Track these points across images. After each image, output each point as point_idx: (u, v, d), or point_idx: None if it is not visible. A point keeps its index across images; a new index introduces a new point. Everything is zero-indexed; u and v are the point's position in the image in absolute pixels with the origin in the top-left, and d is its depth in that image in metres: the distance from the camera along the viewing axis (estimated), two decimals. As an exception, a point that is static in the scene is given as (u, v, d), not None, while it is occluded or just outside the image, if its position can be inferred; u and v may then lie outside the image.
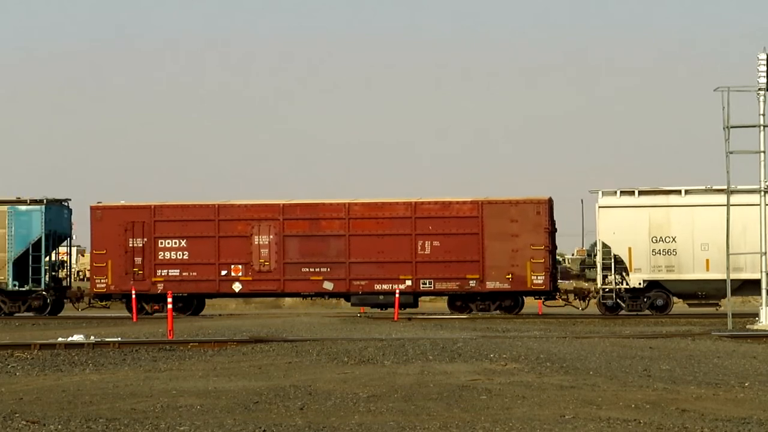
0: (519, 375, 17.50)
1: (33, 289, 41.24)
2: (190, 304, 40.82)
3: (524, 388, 15.79)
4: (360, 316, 38.29)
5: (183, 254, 40.16)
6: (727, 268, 32.47)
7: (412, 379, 16.91)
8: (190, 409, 13.97)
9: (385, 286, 39.47)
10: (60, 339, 24.90)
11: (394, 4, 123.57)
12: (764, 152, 31.59)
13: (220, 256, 40.08)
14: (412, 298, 39.76)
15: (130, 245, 40.32)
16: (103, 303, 41.66)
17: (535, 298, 41.15)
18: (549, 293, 39.79)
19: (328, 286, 39.73)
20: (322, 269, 39.75)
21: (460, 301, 39.83)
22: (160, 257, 40.32)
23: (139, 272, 40.24)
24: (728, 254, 32.64)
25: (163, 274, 40.29)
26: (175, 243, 40.23)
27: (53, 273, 42.19)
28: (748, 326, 30.80)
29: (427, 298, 45.33)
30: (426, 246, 39.38)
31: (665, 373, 17.79)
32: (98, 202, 41.07)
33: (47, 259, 41.68)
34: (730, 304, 32.07)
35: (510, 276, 39.05)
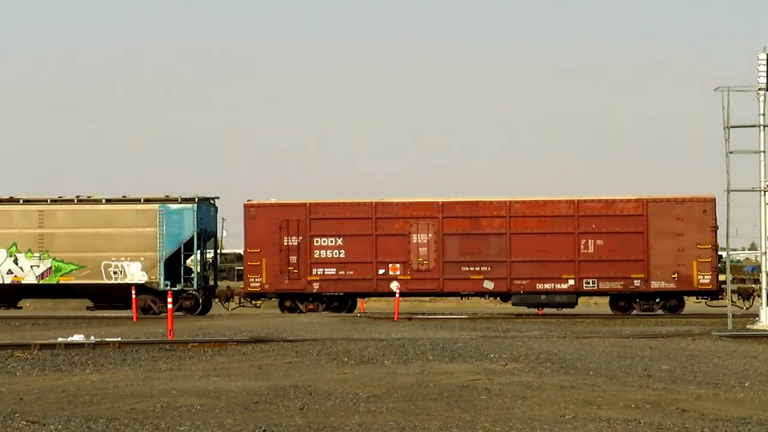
0: (519, 375, 17.50)
1: (184, 288, 40.61)
2: (345, 303, 40.17)
3: (524, 388, 15.79)
4: (360, 316, 38.28)
5: (339, 253, 39.51)
6: (727, 269, 32.46)
7: (412, 379, 16.92)
8: (190, 409, 13.98)
9: (546, 286, 38.81)
10: (60, 339, 24.89)
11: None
12: (764, 152, 31.60)
13: (377, 254, 39.40)
14: (574, 298, 39.16)
15: (285, 243, 39.63)
16: (254, 302, 41.00)
17: (698, 299, 40.30)
18: (715, 293, 38.87)
19: (488, 285, 39.07)
20: (482, 268, 39.05)
21: (624, 301, 39.07)
22: (315, 256, 39.60)
23: (294, 271, 39.52)
24: (728, 254, 32.64)
25: (318, 273, 39.58)
26: (332, 241, 39.56)
27: (204, 272, 41.63)
28: (748, 326, 30.81)
29: (427, 298, 45.26)
30: (589, 245, 38.78)
31: (665, 373, 17.79)
32: (248, 200, 40.27)
33: (198, 258, 41.07)
34: (730, 303, 32.07)
35: (676, 275, 38.33)
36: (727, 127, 31.32)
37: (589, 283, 38.81)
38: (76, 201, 41.00)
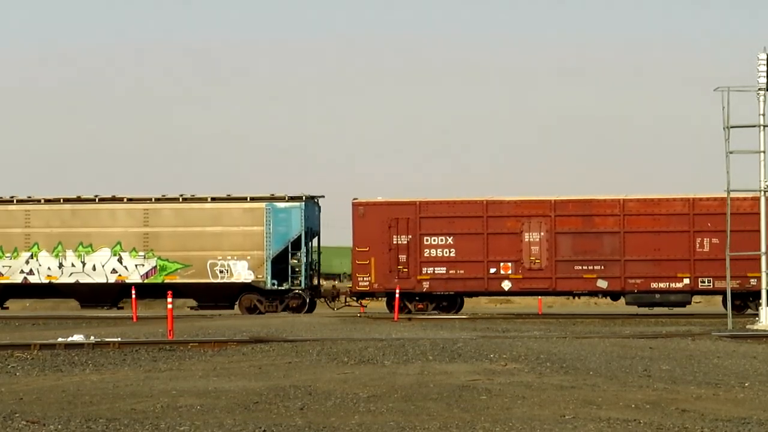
0: (519, 375, 17.49)
1: (291, 288, 40.29)
2: (455, 302, 39.83)
3: (524, 388, 15.79)
4: (360, 316, 38.27)
5: (450, 251, 39.03)
6: (727, 268, 32.46)
7: (412, 379, 16.91)
8: (190, 409, 13.97)
9: (661, 285, 38.30)
10: (60, 339, 24.89)
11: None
12: (764, 152, 31.60)
13: (488, 253, 38.95)
14: (689, 297, 38.69)
15: (395, 242, 39.29)
16: (360, 302, 40.71)
17: None
18: None
19: (602, 284, 38.61)
20: (595, 267, 38.53)
21: (739, 300, 38.06)
22: (425, 255, 39.15)
23: (404, 270, 39.11)
24: (728, 254, 32.64)
25: (428, 272, 39.17)
26: (442, 240, 39.06)
27: (310, 272, 41.21)
28: (748, 326, 30.81)
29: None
30: (705, 243, 38.30)
31: (665, 373, 17.79)
32: (354, 199, 39.97)
33: (305, 257, 40.70)
34: (729, 303, 32.06)
35: None
36: (727, 127, 31.32)
37: (704, 282, 38.33)
38: (180, 200, 40.69)
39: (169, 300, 28.97)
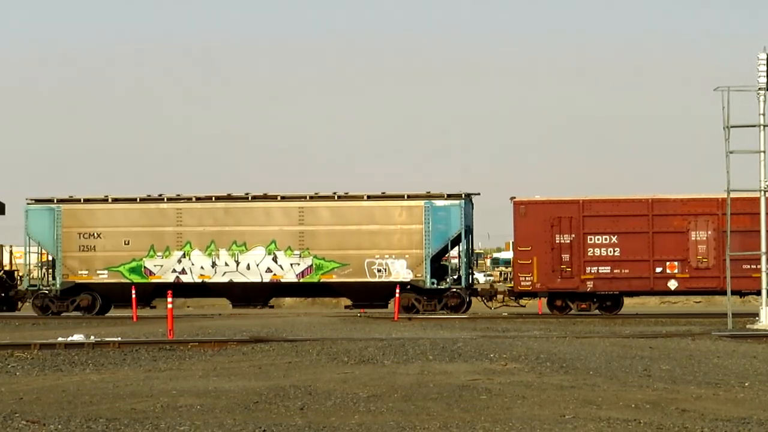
0: (519, 375, 17.50)
1: (451, 287, 39.76)
2: (618, 302, 39.19)
3: (524, 388, 15.79)
4: (360, 316, 38.26)
5: (614, 250, 38.41)
6: (727, 268, 32.45)
7: (412, 379, 16.92)
8: (190, 409, 13.98)
9: None
10: (60, 339, 24.89)
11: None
12: (764, 152, 31.61)
13: (654, 252, 38.40)
14: None
15: (557, 241, 38.77)
16: (518, 301, 40.17)
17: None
18: None
19: None
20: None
21: None
22: (589, 254, 38.66)
23: (567, 269, 38.61)
24: (728, 254, 32.64)
25: (592, 271, 38.58)
26: (606, 239, 38.39)
27: (468, 271, 40.71)
28: (748, 326, 30.81)
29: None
30: None
31: (665, 373, 17.79)
32: (511, 198, 39.43)
33: (464, 256, 40.31)
34: (729, 303, 32.06)
35: None
36: (727, 127, 31.33)
37: None
38: (336, 198, 40.23)
39: (169, 300, 28.96)
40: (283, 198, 40.38)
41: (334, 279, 39.92)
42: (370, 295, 40.12)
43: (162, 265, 40.40)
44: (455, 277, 40.33)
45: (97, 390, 16.07)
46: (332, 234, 39.94)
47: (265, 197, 40.44)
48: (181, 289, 40.92)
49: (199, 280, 40.38)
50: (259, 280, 40.15)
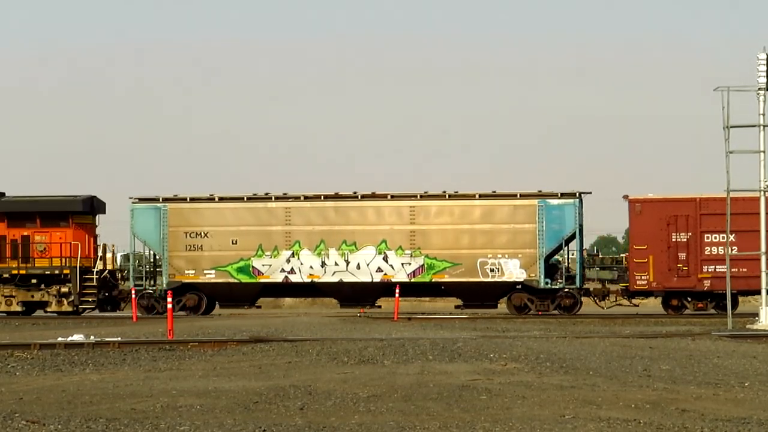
0: (519, 375, 17.49)
1: (564, 287, 39.28)
2: (735, 301, 37.55)
3: (524, 388, 15.79)
4: (360, 316, 38.25)
5: (731, 249, 36.01)
6: (727, 268, 32.45)
7: (412, 379, 16.91)
8: (190, 409, 13.97)
9: None
10: (60, 339, 24.89)
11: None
12: (764, 152, 31.62)
13: None
14: None
15: (674, 240, 38.21)
16: (632, 301, 39.80)
17: None
18: None
19: None
20: None
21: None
22: (706, 252, 38.10)
23: (684, 268, 38.01)
24: (728, 254, 32.64)
25: (709, 270, 38.04)
26: (723, 237, 36.65)
27: (582, 270, 40.07)
28: (748, 326, 30.82)
29: (427, 298, 44.80)
30: None
31: (665, 373, 17.79)
32: (624, 196, 38.90)
33: (578, 255, 39.79)
34: (729, 303, 32.07)
35: None
36: (727, 127, 31.34)
37: None
38: (447, 197, 39.86)
39: (169, 300, 28.96)
40: (394, 197, 40.06)
41: (446, 279, 39.56)
42: (482, 295, 39.68)
43: (270, 265, 40.08)
44: (573, 277, 39.57)
45: (97, 390, 16.07)
46: (444, 233, 39.61)
47: (374, 196, 40.14)
48: (290, 289, 40.81)
49: (308, 280, 40.05)
50: (370, 280, 39.81)
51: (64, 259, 40.99)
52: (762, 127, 31.57)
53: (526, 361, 19.47)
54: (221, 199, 40.37)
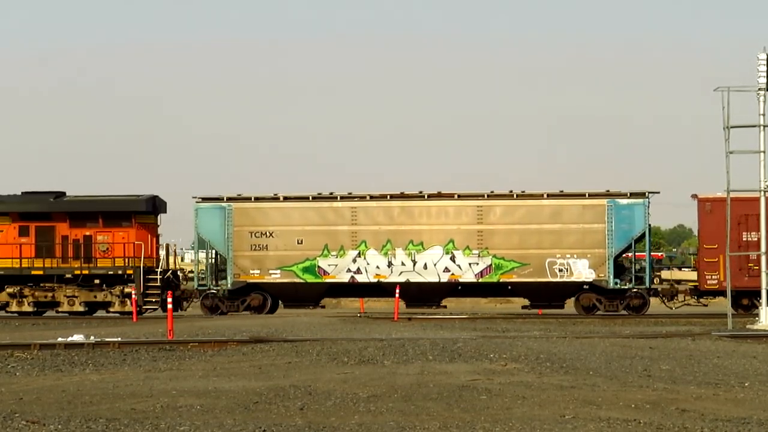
0: (519, 375, 17.50)
1: (633, 287, 38.78)
2: None
3: (524, 388, 15.79)
4: (360, 316, 38.25)
5: None
6: (728, 268, 32.44)
7: (412, 379, 16.92)
8: (190, 409, 13.98)
9: None
10: (60, 339, 24.90)
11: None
12: (764, 152, 31.63)
13: None
14: None
15: (744, 239, 37.72)
16: (700, 300, 39.46)
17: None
18: None
19: None
20: None
21: None
22: None
23: (755, 268, 36.58)
24: (728, 254, 32.64)
25: None
26: None
27: (650, 270, 39.35)
28: (748, 326, 30.83)
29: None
30: None
31: (665, 373, 17.79)
32: (693, 195, 38.75)
33: (648, 256, 39.35)
34: (729, 303, 32.08)
35: None
36: (727, 127, 31.35)
37: None
38: (515, 196, 39.62)
39: (169, 300, 28.95)
40: (460, 196, 39.87)
41: (514, 279, 39.34)
42: (550, 296, 39.43)
43: (336, 265, 39.87)
44: (642, 277, 39.16)
45: (97, 390, 16.07)
46: (511, 233, 39.36)
47: (441, 195, 39.93)
48: (356, 289, 40.61)
49: (375, 280, 39.84)
50: (437, 280, 39.58)
51: (127, 260, 40.76)
52: (762, 127, 31.58)
53: (526, 361, 19.47)
54: (286, 199, 40.26)
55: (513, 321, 35.56)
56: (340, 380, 16.91)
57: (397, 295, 38.37)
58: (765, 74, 31.01)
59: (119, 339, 25.18)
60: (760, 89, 31.30)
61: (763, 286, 31.65)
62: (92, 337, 25.49)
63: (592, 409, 13.73)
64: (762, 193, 32.23)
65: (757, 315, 32.04)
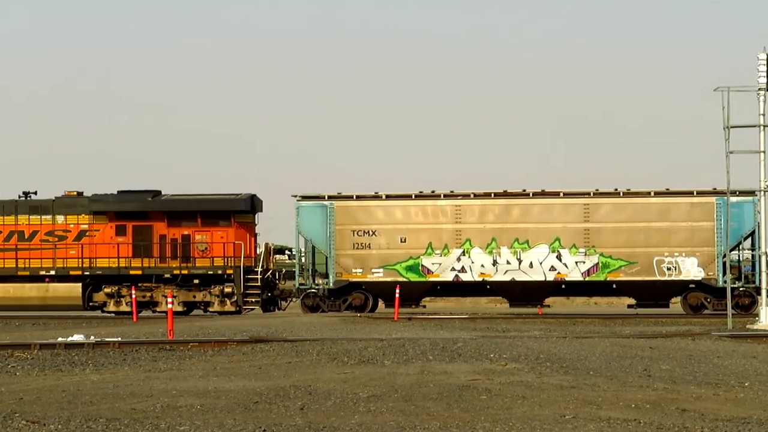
0: (519, 375, 17.49)
1: (741, 285, 38.29)
2: None
3: (524, 388, 15.79)
4: (360, 316, 38.26)
5: None
6: (727, 268, 32.45)
7: (412, 379, 16.91)
8: (190, 409, 13.97)
9: None
10: (60, 339, 24.90)
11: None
12: (764, 152, 31.63)
13: None
14: None
15: None
16: None
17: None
18: None
19: None
20: None
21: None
22: None
23: None
24: (728, 254, 32.64)
25: None
26: None
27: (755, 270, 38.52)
28: (748, 326, 30.84)
29: (428, 297, 44.71)
30: None
31: (665, 373, 17.79)
32: None
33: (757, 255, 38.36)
34: (729, 303, 32.08)
35: None
36: (727, 127, 31.35)
37: None
38: (621, 194, 39.37)
39: (169, 300, 28.95)
40: (566, 194, 39.73)
41: (621, 277, 39.13)
42: (656, 294, 39.19)
43: (440, 263, 39.69)
44: (752, 277, 38.64)
45: (97, 390, 16.07)
46: (619, 231, 39.14)
47: (545, 194, 39.79)
48: (459, 288, 40.41)
49: (479, 279, 39.63)
50: (542, 279, 39.42)
51: (226, 259, 40.66)
52: (762, 127, 31.59)
53: (526, 361, 19.47)
54: (388, 197, 40.14)
55: (513, 321, 35.56)
56: (340, 380, 16.91)
57: (397, 295, 38.34)
58: (765, 74, 31.02)
59: (119, 339, 25.17)
60: (760, 89, 31.30)
61: (764, 286, 31.67)
62: (92, 337, 25.49)
63: (592, 409, 13.72)
64: (762, 193, 32.23)
65: (757, 315, 32.05)
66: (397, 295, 38.29)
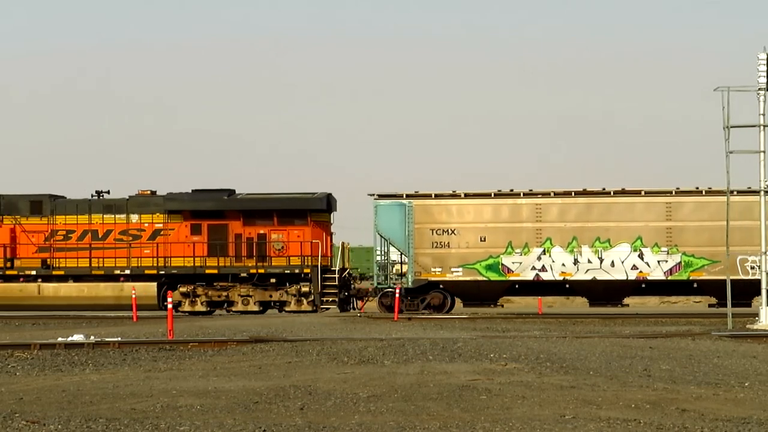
0: (519, 375, 17.49)
1: None
2: None
3: (524, 388, 15.79)
4: (360, 316, 38.27)
5: None
6: (727, 268, 32.46)
7: (412, 379, 16.91)
8: (190, 409, 13.97)
9: None
10: (60, 339, 24.90)
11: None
12: (764, 152, 31.64)
13: None
14: None
15: None
16: None
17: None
18: None
19: None
20: None
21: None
22: None
23: None
24: (727, 254, 32.67)
25: None
26: None
27: None
28: (748, 326, 30.84)
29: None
30: None
31: (665, 373, 17.79)
32: None
33: None
34: (729, 303, 32.08)
35: None
36: (727, 127, 31.35)
37: None
38: (704, 192, 39.23)
39: (169, 299, 28.96)
40: (648, 193, 39.59)
41: (704, 276, 38.98)
42: (739, 293, 37.83)
43: (521, 263, 39.54)
44: None
45: (97, 390, 16.07)
46: (702, 230, 39.02)
47: (625, 192, 39.63)
48: (538, 287, 40.24)
49: (560, 278, 39.50)
50: (624, 278, 39.24)
51: (303, 258, 40.54)
52: (762, 127, 31.58)
53: (526, 361, 19.47)
54: (467, 195, 40.03)
55: (513, 321, 35.57)
56: (340, 380, 16.91)
57: (397, 295, 38.33)
58: (765, 74, 31.02)
59: (119, 339, 25.18)
60: (760, 89, 31.30)
61: (764, 286, 31.66)
62: (92, 337, 25.49)
63: (592, 409, 13.73)
64: (762, 193, 32.23)
65: (757, 315, 32.06)
66: (397, 295, 38.27)
